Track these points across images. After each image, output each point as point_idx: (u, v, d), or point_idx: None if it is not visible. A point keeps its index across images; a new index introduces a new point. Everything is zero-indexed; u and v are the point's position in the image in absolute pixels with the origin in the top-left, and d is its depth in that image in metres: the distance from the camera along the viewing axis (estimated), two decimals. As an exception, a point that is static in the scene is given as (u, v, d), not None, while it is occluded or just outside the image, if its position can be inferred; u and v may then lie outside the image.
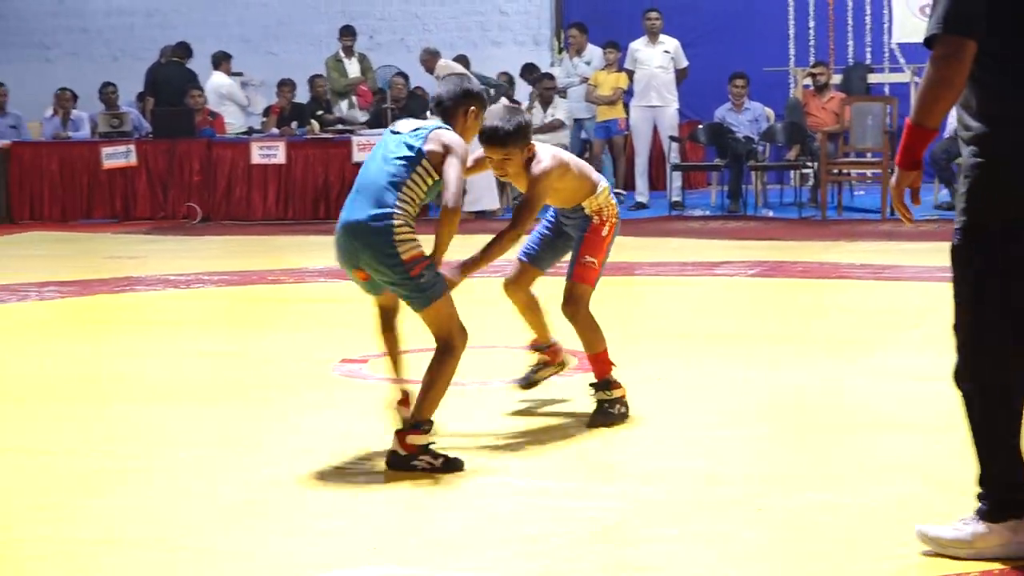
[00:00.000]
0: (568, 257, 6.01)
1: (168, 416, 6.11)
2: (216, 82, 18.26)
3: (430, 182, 5.19)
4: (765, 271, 10.66)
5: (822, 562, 4.03)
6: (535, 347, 6.26)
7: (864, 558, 4.03)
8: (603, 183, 5.93)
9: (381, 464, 5.15)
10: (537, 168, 5.62)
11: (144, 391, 6.68)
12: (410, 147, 5.15)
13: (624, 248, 12.29)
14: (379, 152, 5.25)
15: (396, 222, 5.06)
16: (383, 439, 5.34)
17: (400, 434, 5.08)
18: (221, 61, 18.40)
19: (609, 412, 5.78)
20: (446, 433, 5.37)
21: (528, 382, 6.22)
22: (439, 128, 5.22)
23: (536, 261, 6.09)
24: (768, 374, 6.79)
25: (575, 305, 5.90)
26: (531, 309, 6.20)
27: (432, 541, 4.31)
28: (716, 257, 11.49)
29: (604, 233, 5.89)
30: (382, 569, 4.03)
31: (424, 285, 5.10)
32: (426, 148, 5.14)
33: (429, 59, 15.81)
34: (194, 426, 5.93)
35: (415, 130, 5.22)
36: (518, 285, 6.14)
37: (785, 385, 6.54)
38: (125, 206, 16.72)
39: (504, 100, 16.82)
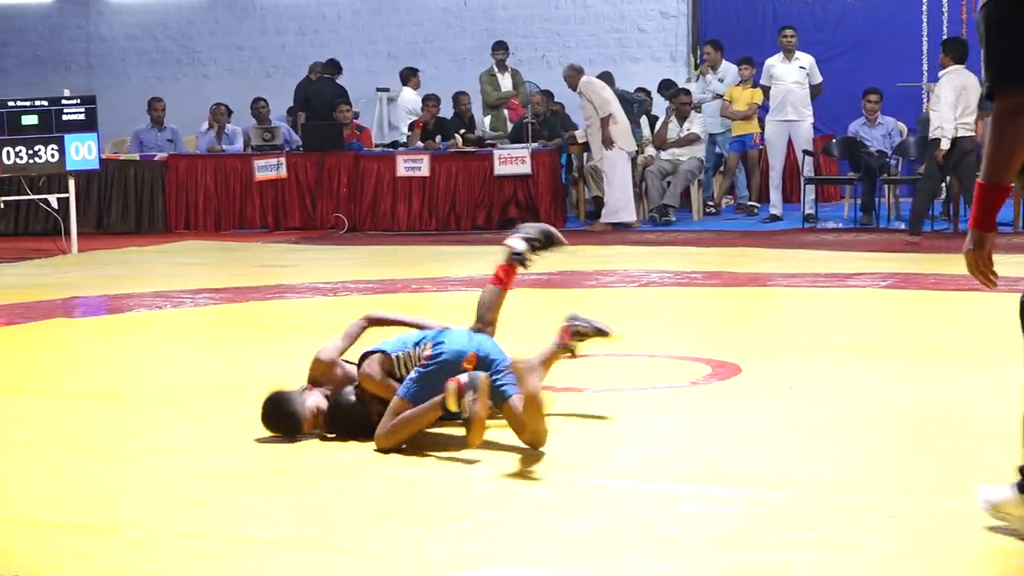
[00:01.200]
0: None
1: None
2: (405, 97, 18.74)
3: None
4: (897, 283, 10.65)
5: (952, 569, 4.05)
6: None
7: (992, 566, 4.08)
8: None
9: (515, 467, 5.26)
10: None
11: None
12: None
13: (758, 259, 12.56)
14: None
15: None
16: (514, 443, 5.51)
17: None
18: (410, 77, 18.79)
19: None
20: (573, 439, 5.51)
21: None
22: None
23: None
24: (899, 384, 6.78)
25: None
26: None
27: (563, 543, 4.35)
28: (849, 269, 11.50)
29: None
30: (515, 570, 4.10)
31: None
32: None
33: (572, 75, 16.03)
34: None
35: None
36: None
37: (915, 394, 6.53)
38: (276, 216, 17.10)
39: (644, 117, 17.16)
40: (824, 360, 7.53)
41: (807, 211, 15.98)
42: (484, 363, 5.76)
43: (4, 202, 15.42)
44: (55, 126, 14.47)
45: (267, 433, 5.90)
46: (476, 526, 4.58)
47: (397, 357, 5.90)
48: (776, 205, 16.34)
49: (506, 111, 18.24)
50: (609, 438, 5.80)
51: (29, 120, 14.38)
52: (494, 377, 5.64)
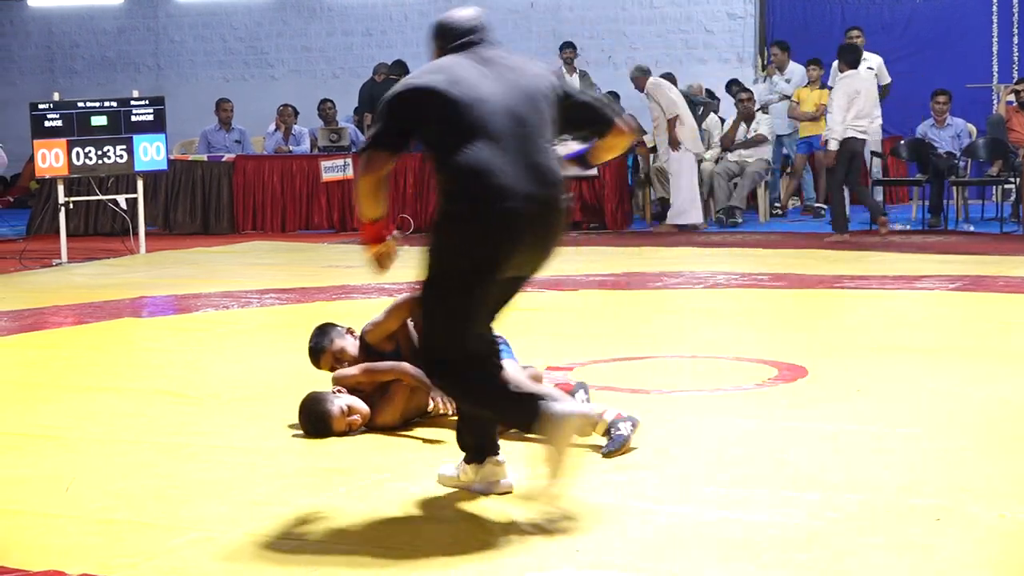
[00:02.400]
0: None
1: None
2: None
3: None
4: (966, 285, 10.57)
5: (1024, 576, 4.04)
6: None
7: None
8: None
9: (586, 468, 5.23)
10: None
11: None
12: None
13: (825, 261, 12.50)
14: None
15: None
16: (586, 444, 5.49)
17: None
18: None
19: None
20: (639, 441, 5.51)
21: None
22: None
23: None
24: (968, 387, 6.73)
25: None
26: None
27: (634, 544, 4.35)
28: (917, 271, 11.43)
29: None
30: (584, 572, 4.11)
31: None
32: None
33: (639, 77, 16.01)
34: (411, 428, 6.05)
35: None
36: None
37: (984, 398, 6.48)
38: (342, 217, 17.18)
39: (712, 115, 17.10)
40: (892, 363, 7.48)
41: (875, 213, 15.85)
42: None
43: (73, 202, 15.53)
44: (124, 127, 14.58)
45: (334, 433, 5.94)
46: (542, 527, 4.58)
47: None
48: (844, 207, 16.21)
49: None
50: (675, 440, 5.79)
51: (98, 121, 14.49)
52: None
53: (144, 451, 5.82)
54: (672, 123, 15.72)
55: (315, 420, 5.97)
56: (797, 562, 4.16)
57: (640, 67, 16.22)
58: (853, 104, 14.31)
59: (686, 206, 15.90)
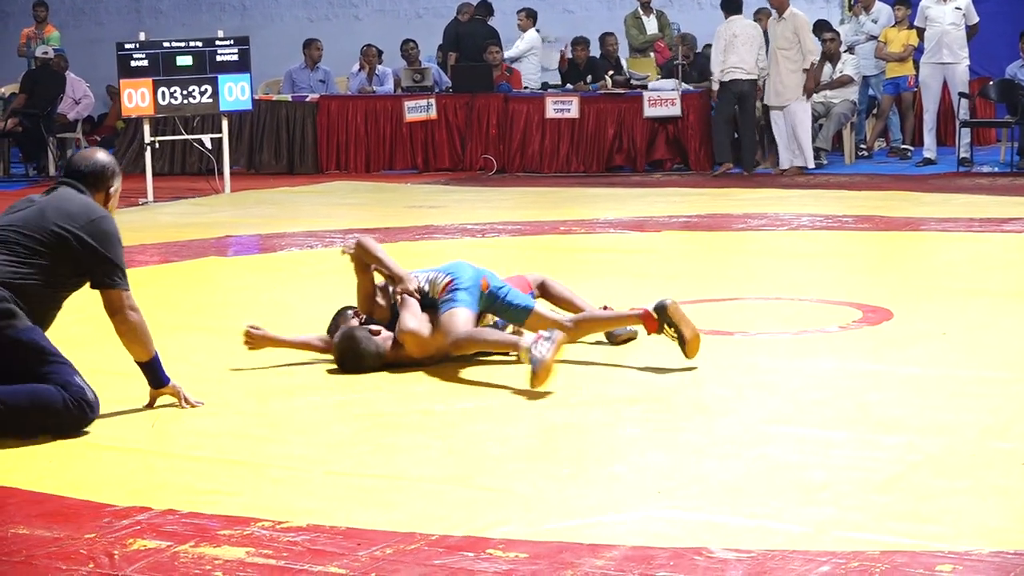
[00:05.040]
0: None
1: (465, 362, 6.22)
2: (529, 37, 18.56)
3: None
4: (1055, 228, 10.43)
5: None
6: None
7: None
8: None
9: (666, 411, 5.29)
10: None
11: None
12: None
13: (911, 203, 12.39)
14: None
15: None
16: (670, 389, 5.53)
17: None
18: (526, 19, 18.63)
19: None
20: (722, 383, 5.53)
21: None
22: None
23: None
24: None
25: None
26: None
27: (715, 487, 4.36)
28: (1005, 214, 11.29)
29: None
30: (666, 513, 4.10)
31: None
32: None
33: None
34: (494, 369, 6.09)
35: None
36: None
37: None
38: (425, 158, 17.16)
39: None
40: (978, 306, 7.42)
41: (962, 155, 15.66)
42: (492, 288, 6.29)
43: (159, 142, 15.65)
44: (209, 67, 14.64)
45: (419, 373, 6.01)
46: (623, 470, 4.60)
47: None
48: (930, 148, 16.01)
49: (653, 54, 18.01)
50: (758, 383, 5.78)
51: (183, 61, 14.56)
52: (506, 298, 6.27)
53: (228, 389, 5.89)
54: (814, 69, 15.42)
55: (360, 359, 6.11)
56: (878, 505, 4.14)
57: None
58: (728, 48, 15.40)
59: (807, 149, 15.63)
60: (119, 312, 5.29)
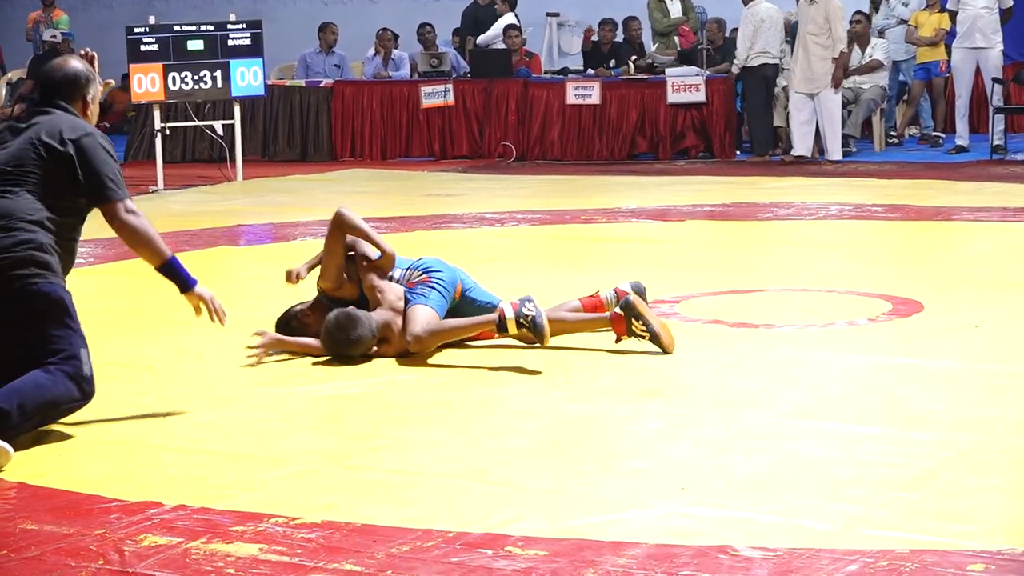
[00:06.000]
0: None
1: (480, 352, 6.20)
2: None
3: None
4: (1090, 218, 10.32)
5: None
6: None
7: None
8: None
9: (690, 404, 5.24)
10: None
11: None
12: None
13: (943, 192, 12.26)
14: None
15: None
16: (692, 382, 5.46)
17: None
18: None
19: None
20: (748, 376, 5.44)
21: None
22: None
23: None
24: None
25: None
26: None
27: (739, 483, 4.31)
28: (1039, 203, 11.16)
29: None
30: (689, 510, 4.06)
31: None
32: None
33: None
34: (510, 359, 6.02)
35: None
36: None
37: None
38: (442, 144, 17.02)
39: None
40: (1011, 298, 7.32)
41: (995, 142, 15.46)
42: (464, 292, 6.36)
43: (170, 128, 15.53)
44: (221, 51, 14.52)
45: (434, 365, 5.96)
46: (646, 464, 4.55)
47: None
48: (962, 136, 15.84)
49: (676, 38, 17.83)
50: (784, 376, 5.72)
51: (195, 45, 14.44)
52: (475, 296, 6.36)
53: (242, 383, 5.81)
54: (843, 58, 15.23)
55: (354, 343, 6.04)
56: (907, 502, 4.08)
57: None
58: (758, 33, 15.53)
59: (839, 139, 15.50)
60: (116, 219, 5.09)
